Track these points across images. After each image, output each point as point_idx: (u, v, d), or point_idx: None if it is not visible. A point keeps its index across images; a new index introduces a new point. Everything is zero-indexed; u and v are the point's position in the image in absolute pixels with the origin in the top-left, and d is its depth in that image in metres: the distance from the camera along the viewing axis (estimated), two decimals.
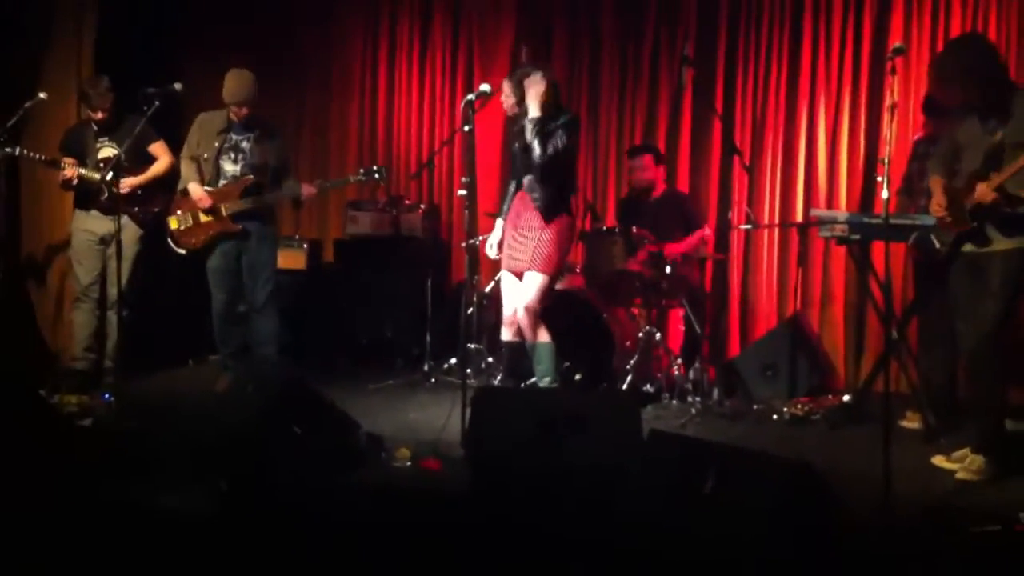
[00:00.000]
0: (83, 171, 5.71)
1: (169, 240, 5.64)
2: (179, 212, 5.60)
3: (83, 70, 6.46)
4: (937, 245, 4.37)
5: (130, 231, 5.67)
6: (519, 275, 5.15)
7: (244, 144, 5.53)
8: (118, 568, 3.13)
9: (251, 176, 5.51)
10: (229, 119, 5.52)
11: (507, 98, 5.14)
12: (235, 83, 5.43)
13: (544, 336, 5.14)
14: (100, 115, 5.75)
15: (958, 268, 4.30)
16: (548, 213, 5.08)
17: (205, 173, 5.55)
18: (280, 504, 3.77)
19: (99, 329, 5.86)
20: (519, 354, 5.26)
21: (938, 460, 4.45)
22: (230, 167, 5.53)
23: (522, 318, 5.11)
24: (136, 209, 5.74)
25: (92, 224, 5.81)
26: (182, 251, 5.61)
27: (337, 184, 6.41)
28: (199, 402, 4.57)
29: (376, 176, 5.78)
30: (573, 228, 5.34)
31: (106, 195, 5.67)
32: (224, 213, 5.48)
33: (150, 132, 5.67)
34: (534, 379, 5.22)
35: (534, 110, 5.03)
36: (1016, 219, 4.07)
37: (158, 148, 5.85)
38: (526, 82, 5.05)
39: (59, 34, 6.58)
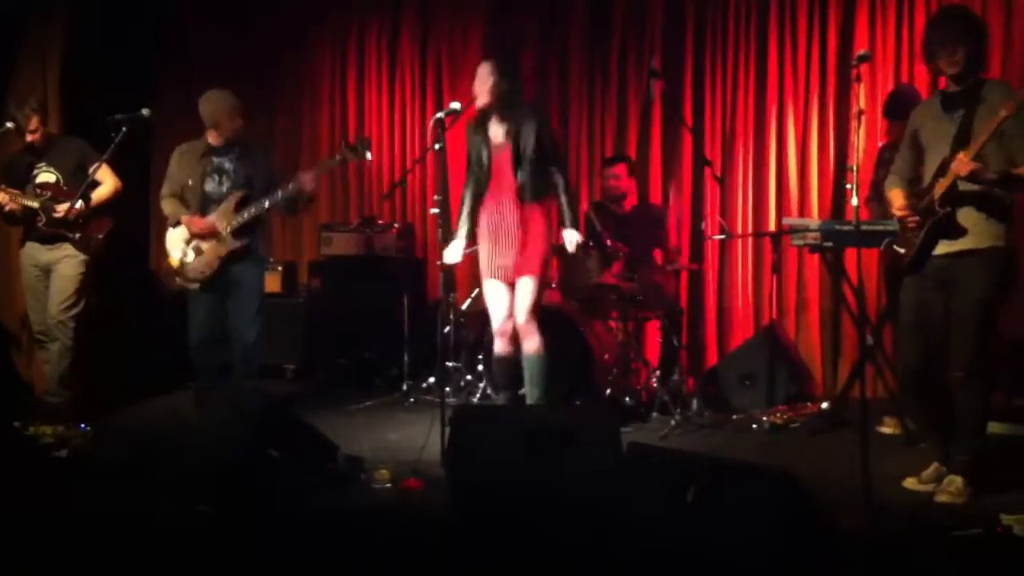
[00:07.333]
0: (11, 195, 5.49)
1: (177, 279, 5.34)
2: (175, 249, 5.34)
3: (48, 98, 6.34)
4: (901, 251, 4.10)
5: (73, 257, 5.53)
6: (511, 283, 5.05)
7: (227, 165, 5.34)
8: None
9: (241, 191, 5.29)
10: (208, 143, 5.35)
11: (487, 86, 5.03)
12: (204, 105, 5.30)
13: (541, 346, 5.01)
14: (31, 137, 5.54)
15: (921, 279, 4.05)
16: (535, 195, 5.03)
17: (191, 203, 5.33)
18: (260, 528, 3.75)
19: (74, 361, 5.75)
20: (514, 367, 5.12)
21: (910, 484, 4.22)
22: (214, 188, 5.31)
23: (525, 325, 4.98)
24: (78, 236, 5.51)
25: (34, 255, 5.62)
26: (194, 285, 5.29)
27: (326, 166, 5.75)
28: (178, 429, 4.53)
29: (357, 150, 5.29)
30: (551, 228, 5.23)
31: (43, 221, 5.50)
32: (225, 234, 5.25)
33: (93, 154, 5.48)
34: (522, 391, 5.11)
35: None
36: (991, 203, 3.83)
37: (102, 172, 5.57)
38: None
39: (25, 61, 6.53)
